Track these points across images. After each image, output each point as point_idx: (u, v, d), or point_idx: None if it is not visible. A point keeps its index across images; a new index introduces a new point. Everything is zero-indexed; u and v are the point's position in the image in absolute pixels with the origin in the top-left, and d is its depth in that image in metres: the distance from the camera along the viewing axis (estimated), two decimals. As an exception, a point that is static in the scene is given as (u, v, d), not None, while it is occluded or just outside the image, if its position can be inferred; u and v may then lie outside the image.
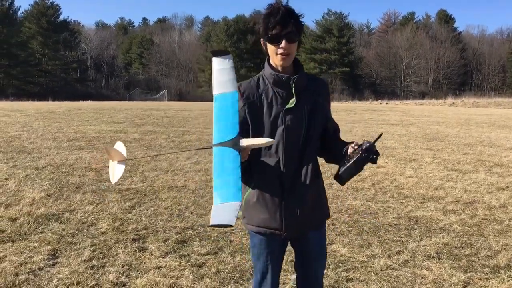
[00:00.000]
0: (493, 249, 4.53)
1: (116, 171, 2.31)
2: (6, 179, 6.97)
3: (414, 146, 12.23)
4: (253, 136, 2.25)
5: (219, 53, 2.31)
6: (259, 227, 2.39)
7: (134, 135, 13.01)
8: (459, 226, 5.27)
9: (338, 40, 70.51)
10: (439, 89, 69.35)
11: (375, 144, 2.23)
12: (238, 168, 1.94)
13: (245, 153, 2.09)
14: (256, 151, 2.28)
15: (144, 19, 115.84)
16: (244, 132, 2.20)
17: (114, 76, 79.61)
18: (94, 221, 5.06)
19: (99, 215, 5.29)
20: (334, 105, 42.12)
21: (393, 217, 5.56)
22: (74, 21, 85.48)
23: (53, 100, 44.88)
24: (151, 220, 5.18)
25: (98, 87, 74.72)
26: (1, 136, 11.80)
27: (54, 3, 70.40)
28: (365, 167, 2.28)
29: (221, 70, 2.25)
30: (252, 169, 2.32)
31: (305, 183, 2.41)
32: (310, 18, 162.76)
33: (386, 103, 50.63)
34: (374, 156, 2.22)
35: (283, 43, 2.20)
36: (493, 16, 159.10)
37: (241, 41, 74.11)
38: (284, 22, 2.18)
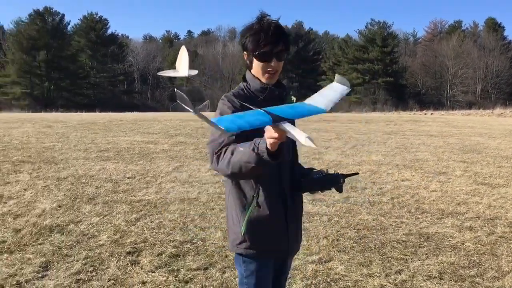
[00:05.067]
0: (502, 270, 4.24)
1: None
2: (25, 189, 7.15)
3: (447, 158, 11.77)
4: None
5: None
6: (267, 251, 2.25)
7: (164, 146, 13.14)
8: (472, 244, 4.98)
9: (382, 50, 69.34)
10: (487, 99, 67.01)
11: (344, 178, 2.29)
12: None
13: (280, 134, 1.78)
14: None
15: (189, 32, 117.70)
16: (243, 138, 2.03)
17: (159, 88, 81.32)
18: (95, 233, 5.08)
19: (102, 227, 5.32)
20: (375, 116, 41.36)
21: (403, 234, 5.32)
22: (123, 34, 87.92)
23: (100, 112, 46.29)
24: (153, 233, 5.16)
25: (144, 99, 76.55)
26: (35, 147, 12.17)
27: (103, 18, 72.91)
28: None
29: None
30: (253, 189, 2.19)
31: (300, 201, 2.38)
32: (353, 28, 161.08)
33: (431, 114, 49.27)
34: (340, 183, 2.28)
35: (273, 62, 2.17)
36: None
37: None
38: (275, 40, 2.14)
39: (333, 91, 2.10)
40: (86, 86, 70.96)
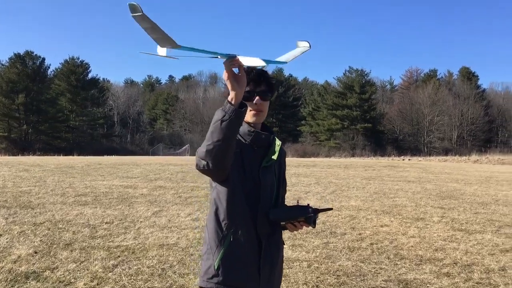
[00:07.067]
0: (479, 317, 4.28)
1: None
2: (0, 235, 7.00)
3: (425, 204, 11.93)
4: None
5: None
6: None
7: (143, 191, 13.05)
8: (449, 291, 5.03)
9: (360, 97, 70.88)
10: (463, 145, 68.50)
11: (317, 213, 2.32)
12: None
13: (237, 64, 2.05)
14: (233, 204, 2.23)
15: (171, 77, 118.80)
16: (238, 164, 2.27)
17: (139, 132, 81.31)
18: (72, 280, 4.99)
19: (79, 273, 5.23)
20: (354, 161, 41.78)
21: (382, 280, 5.35)
22: (104, 78, 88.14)
23: (78, 155, 45.85)
24: (130, 280, 5.09)
25: (123, 142, 76.25)
26: (12, 191, 11.97)
27: (84, 62, 73.22)
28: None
29: None
30: (230, 224, 2.25)
31: (278, 243, 2.42)
32: (332, 75, 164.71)
33: (409, 159, 50.05)
34: (308, 217, 2.29)
35: (256, 100, 2.28)
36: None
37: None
38: (257, 80, 2.29)
39: (295, 50, 2.58)
40: (64, 130, 70.37)
